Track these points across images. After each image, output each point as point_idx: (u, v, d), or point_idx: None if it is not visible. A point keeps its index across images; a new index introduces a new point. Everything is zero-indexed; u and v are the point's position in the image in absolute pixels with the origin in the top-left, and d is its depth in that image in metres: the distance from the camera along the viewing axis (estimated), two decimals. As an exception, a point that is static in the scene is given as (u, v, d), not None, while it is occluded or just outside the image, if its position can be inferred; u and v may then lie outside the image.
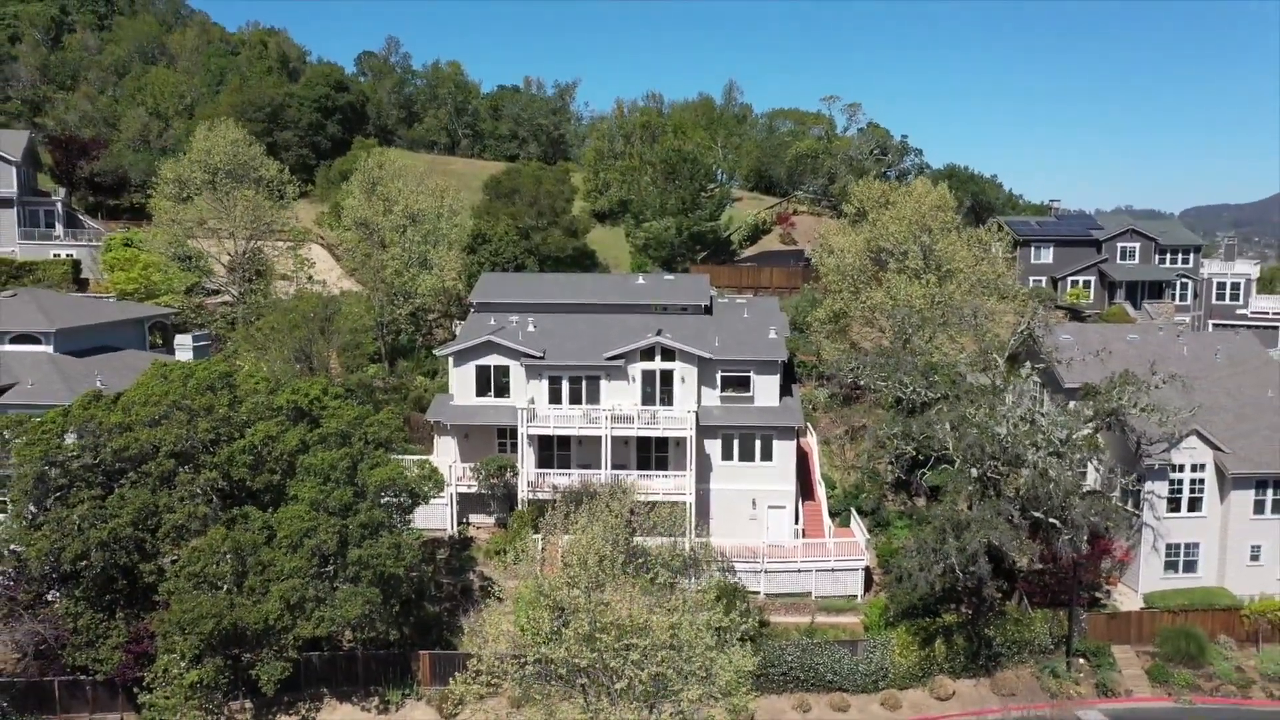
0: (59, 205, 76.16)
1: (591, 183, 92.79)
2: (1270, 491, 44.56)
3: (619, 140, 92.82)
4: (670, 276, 60.96)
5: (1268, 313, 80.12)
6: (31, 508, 35.62)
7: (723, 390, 47.58)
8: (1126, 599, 44.72)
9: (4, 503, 36.96)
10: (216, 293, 66.45)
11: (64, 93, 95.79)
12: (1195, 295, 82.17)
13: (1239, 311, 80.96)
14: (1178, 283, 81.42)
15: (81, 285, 69.09)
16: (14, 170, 73.21)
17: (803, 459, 51.19)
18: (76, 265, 70.03)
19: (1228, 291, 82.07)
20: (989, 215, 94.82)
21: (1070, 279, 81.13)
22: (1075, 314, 78.01)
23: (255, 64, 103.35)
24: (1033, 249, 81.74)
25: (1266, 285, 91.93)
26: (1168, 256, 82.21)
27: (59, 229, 75.15)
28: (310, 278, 62.30)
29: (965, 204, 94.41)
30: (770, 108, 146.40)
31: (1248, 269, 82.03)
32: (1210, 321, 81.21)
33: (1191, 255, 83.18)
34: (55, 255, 71.74)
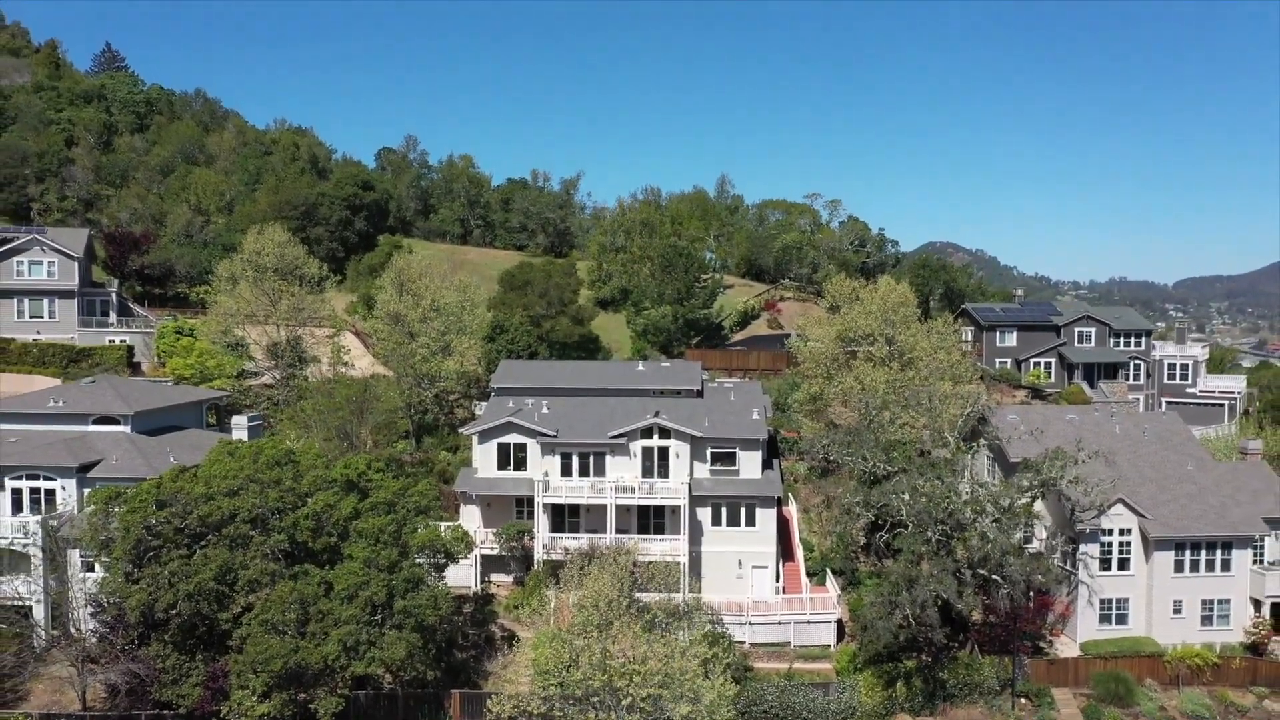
0: (113, 295, 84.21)
1: (595, 272, 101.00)
2: (1189, 553, 51.21)
3: (620, 235, 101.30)
4: (667, 363, 68.52)
5: (1214, 391, 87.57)
6: (129, 565, 42.37)
7: (712, 464, 54.59)
8: (1066, 648, 51.04)
9: (104, 561, 43.70)
10: (256, 374, 73.78)
11: (115, 191, 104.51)
12: (1148, 375, 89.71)
13: (1188, 390, 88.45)
14: (1131, 364, 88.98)
15: (135, 369, 76.51)
16: (75, 265, 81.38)
17: (784, 525, 57.94)
18: (130, 350, 77.61)
19: (1178, 371, 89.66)
20: (960, 302, 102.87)
21: (1033, 361, 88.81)
22: (1037, 393, 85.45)
23: (289, 165, 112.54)
24: (998, 333, 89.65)
25: (1216, 365, 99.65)
26: (1121, 339, 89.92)
27: (113, 317, 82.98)
28: (347, 364, 69.69)
29: (937, 292, 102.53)
30: (761, 198, 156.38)
31: (1195, 351, 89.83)
32: (1163, 399, 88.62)
33: (1144, 339, 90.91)
34: (110, 341, 79.42)
